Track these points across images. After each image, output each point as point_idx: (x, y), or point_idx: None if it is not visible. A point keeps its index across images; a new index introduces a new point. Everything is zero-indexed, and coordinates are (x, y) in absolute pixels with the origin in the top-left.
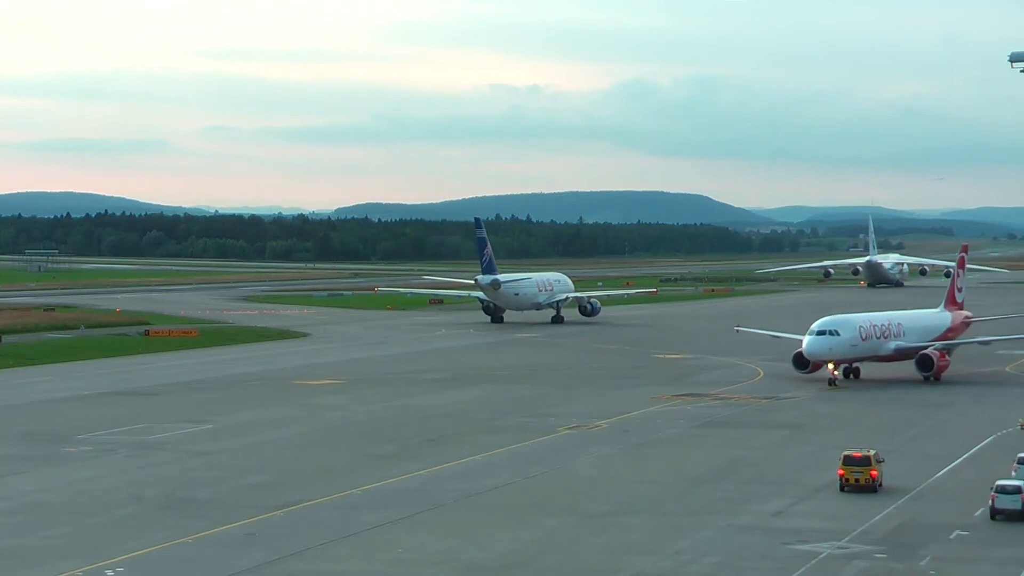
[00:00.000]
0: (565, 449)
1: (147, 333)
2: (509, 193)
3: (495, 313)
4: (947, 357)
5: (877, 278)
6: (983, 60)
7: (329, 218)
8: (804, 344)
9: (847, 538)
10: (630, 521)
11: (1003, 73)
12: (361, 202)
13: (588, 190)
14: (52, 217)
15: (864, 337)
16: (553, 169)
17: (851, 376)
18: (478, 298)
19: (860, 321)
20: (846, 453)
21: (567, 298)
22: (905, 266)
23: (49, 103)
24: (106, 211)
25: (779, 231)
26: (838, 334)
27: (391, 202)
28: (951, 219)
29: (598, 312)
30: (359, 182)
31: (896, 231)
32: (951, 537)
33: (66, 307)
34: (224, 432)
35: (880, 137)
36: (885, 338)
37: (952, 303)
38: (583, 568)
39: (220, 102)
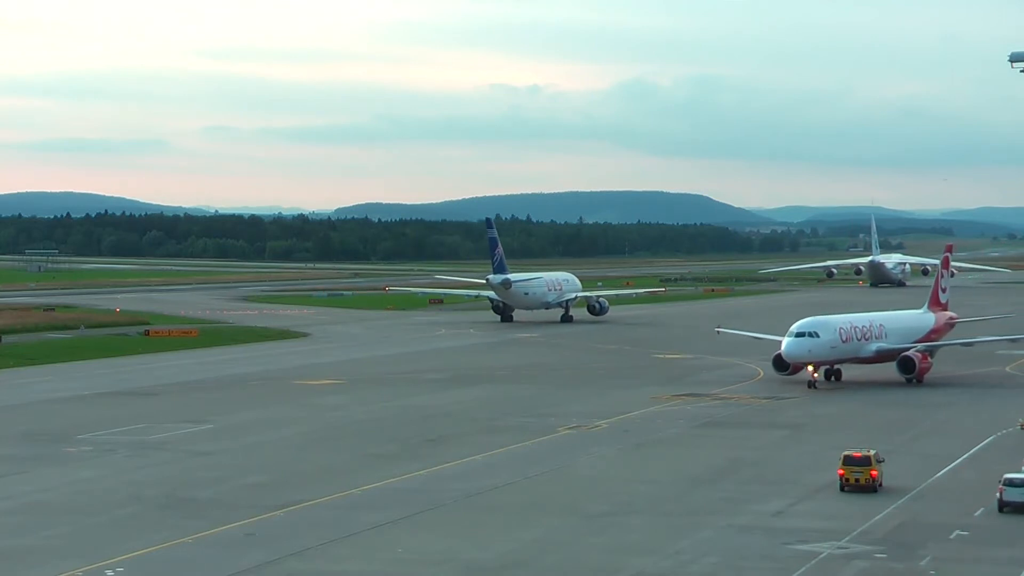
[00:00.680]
0: (565, 449)
1: (147, 333)
2: (509, 193)
3: (504, 312)
4: (929, 359)
5: (879, 278)
6: (983, 60)
7: (329, 218)
8: (783, 346)
9: (847, 538)
10: (630, 521)
11: (1003, 73)
12: (361, 202)
13: (588, 190)
14: (52, 217)
15: (844, 339)
16: (553, 169)
17: (832, 378)
18: (488, 297)
19: (840, 323)
20: (846, 453)
21: (576, 297)
22: (907, 266)
23: (49, 103)
24: (106, 211)
25: (779, 231)
26: (817, 336)
27: (391, 202)
28: (951, 219)
29: (606, 311)
30: (359, 182)
31: (896, 231)
32: (951, 537)
33: (66, 307)
34: (224, 432)
35: (880, 137)
36: (866, 339)
37: (936, 304)
38: (583, 568)
39: (220, 102)
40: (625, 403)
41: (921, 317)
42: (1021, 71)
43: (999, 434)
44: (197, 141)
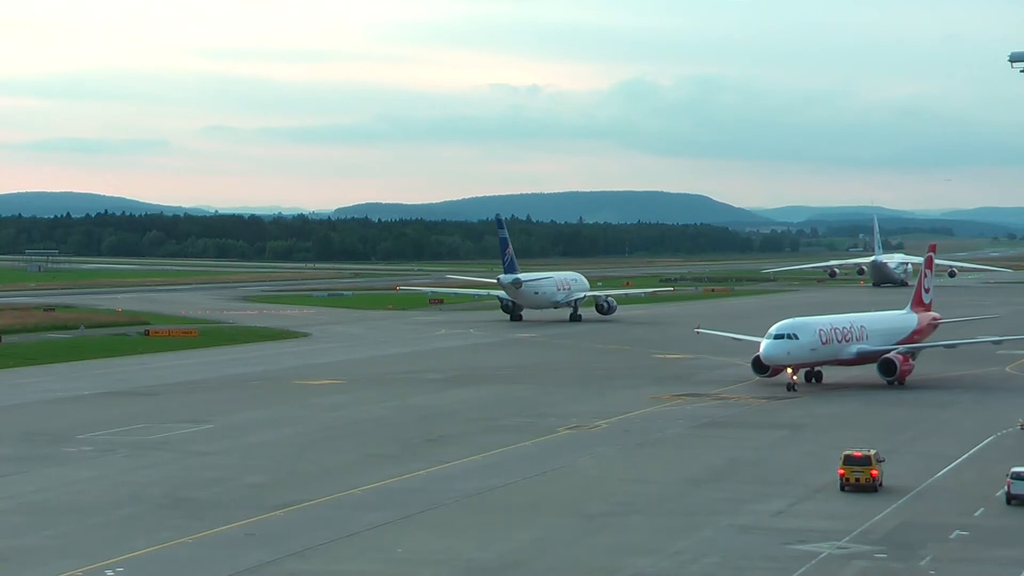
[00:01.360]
0: (565, 449)
1: (147, 333)
2: (509, 193)
3: (514, 311)
4: (911, 361)
5: (882, 278)
6: (983, 60)
7: (329, 218)
8: (761, 348)
9: (847, 538)
10: (630, 521)
11: (1003, 73)
12: (361, 202)
13: (588, 190)
14: (52, 217)
15: (824, 341)
16: (553, 169)
17: (813, 380)
18: (498, 297)
19: (820, 324)
20: (846, 453)
21: (584, 296)
22: (909, 266)
23: (49, 103)
24: (106, 211)
25: (779, 231)
26: (796, 338)
27: (391, 202)
28: (951, 219)
29: (615, 310)
30: (359, 182)
31: (896, 231)
32: (951, 537)
33: (66, 307)
34: (224, 432)
35: (880, 137)
36: (847, 341)
37: (919, 304)
38: (583, 568)
39: (220, 102)
40: (625, 403)
41: (904, 318)
42: (1021, 71)
43: (999, 434)
44: (197, 141)
